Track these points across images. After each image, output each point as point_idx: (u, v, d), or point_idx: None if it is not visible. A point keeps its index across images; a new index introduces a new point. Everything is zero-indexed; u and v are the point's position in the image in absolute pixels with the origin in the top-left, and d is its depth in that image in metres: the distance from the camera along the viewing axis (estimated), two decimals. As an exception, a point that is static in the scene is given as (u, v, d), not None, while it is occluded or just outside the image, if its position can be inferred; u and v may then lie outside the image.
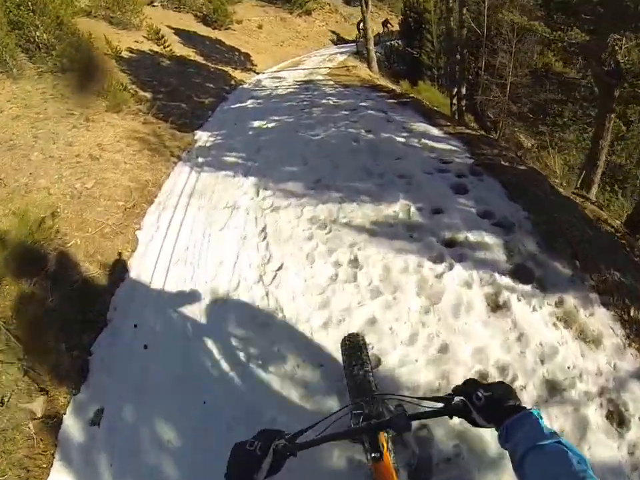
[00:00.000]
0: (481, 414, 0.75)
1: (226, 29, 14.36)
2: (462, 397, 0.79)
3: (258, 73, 11.25)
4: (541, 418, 0.69)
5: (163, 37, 10.10)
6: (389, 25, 19.23)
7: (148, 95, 6.87)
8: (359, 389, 1.23)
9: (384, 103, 6.05)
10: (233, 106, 7.31)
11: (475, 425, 0.79)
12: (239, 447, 0.75)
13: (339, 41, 18.82)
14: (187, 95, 7.60)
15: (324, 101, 6.49)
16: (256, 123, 5.65)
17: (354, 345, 1.41)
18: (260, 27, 15.88)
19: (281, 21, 17.38)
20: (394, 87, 8.05)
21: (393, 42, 15.11)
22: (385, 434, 0.93)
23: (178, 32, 12.04)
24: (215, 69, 10.22)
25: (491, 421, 0.75)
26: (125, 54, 8.54)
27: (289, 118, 5.72)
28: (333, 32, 19.33)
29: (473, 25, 10.13)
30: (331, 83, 7.91)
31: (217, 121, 6.33)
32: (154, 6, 14.42)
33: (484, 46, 10.29)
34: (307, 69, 10.73)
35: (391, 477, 0.86)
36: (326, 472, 1.54)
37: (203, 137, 5.42)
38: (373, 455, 0.86)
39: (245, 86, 9.46)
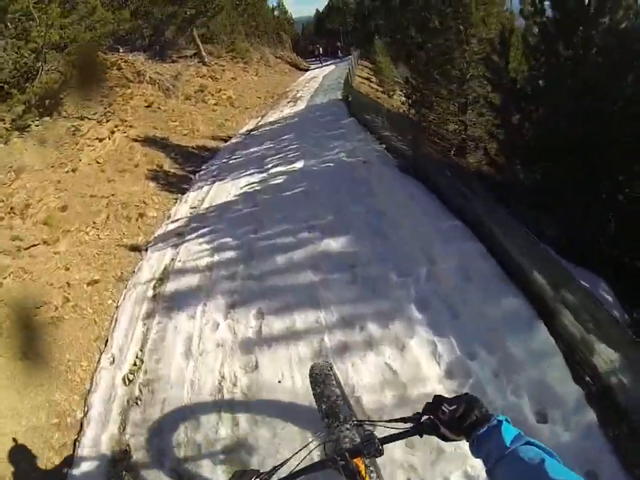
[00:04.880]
0: (449, 428, 0.76)
1: None
2: (429, 415, 0.80)
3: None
4: (509, 422, 0.70)
5: None
6: (339, 46, 17.66)
7: None
8: (331, 418, 1.20)
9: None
10: None
11: (446, 439, 0.79)
12: None
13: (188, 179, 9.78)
14: None
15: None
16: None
17: (322, 374, 1.39)
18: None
19: None
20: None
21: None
22: (362, 459, 0.93)
23: None
24: None
25: (459, 433, 0.75)
26: None
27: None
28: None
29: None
30: None
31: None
32: None
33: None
34: None
35: None
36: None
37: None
38: None
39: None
